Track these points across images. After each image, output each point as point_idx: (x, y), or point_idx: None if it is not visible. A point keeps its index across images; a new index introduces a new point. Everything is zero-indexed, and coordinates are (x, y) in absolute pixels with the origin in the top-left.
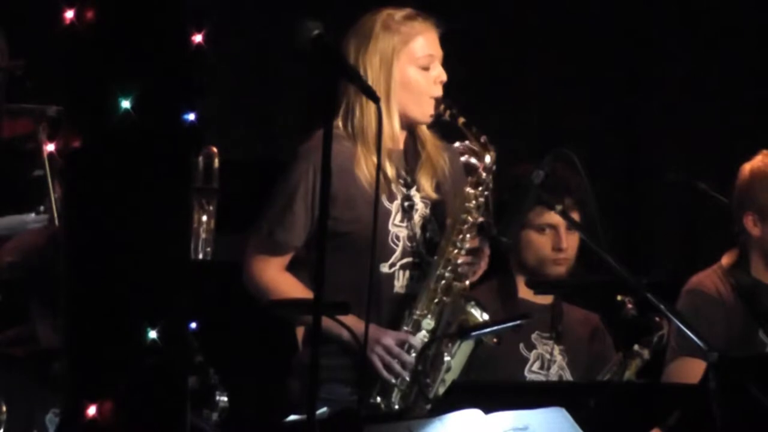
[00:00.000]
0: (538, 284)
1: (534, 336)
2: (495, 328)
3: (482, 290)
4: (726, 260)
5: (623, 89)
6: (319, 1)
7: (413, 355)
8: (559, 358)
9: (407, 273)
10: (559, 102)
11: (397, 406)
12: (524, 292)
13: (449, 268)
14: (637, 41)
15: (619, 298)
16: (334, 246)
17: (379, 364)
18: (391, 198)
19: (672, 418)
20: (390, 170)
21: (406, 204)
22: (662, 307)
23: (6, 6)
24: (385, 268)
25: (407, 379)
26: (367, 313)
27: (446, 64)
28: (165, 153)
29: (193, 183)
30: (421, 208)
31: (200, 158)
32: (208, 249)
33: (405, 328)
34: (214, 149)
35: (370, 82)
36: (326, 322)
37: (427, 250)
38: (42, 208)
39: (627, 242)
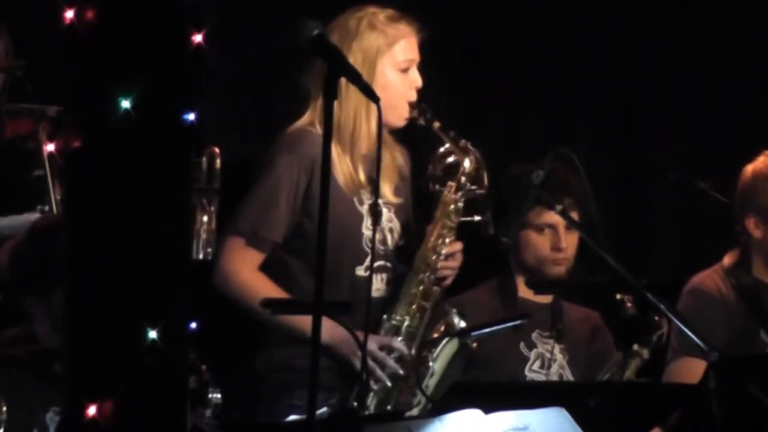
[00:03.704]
0: (537, 284)
1: (534, 335)
2: (495, 328)
3: (482, 290)
4: (727, 260)
5: (624, 89)
6: (319, 1)
7: (394, 357)
8: (559, 356)
9: (380, 276)
10: (559, 102)
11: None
12: (524, 292)
13: (428, 273)
14: (638, 41)
15: (618, 297)
16: (306, 246)
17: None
18: (361, 202)
19: (672, 418)
20: (362, 175)
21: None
22: (662, 306)
23: (6, 6)
24: (360, 271)
25: (388, 384)
26: (367, 317)
27: (445, 63)
28: (165, 153)
29: (194, 183)
30: (385, 213)
31: (203, 159)
32: (209, 249)
33: (383, 332)
34: (217, 149)
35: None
36: (296, 321)
37: (394, 254)
38: (46, 207)
39: (627, 242)
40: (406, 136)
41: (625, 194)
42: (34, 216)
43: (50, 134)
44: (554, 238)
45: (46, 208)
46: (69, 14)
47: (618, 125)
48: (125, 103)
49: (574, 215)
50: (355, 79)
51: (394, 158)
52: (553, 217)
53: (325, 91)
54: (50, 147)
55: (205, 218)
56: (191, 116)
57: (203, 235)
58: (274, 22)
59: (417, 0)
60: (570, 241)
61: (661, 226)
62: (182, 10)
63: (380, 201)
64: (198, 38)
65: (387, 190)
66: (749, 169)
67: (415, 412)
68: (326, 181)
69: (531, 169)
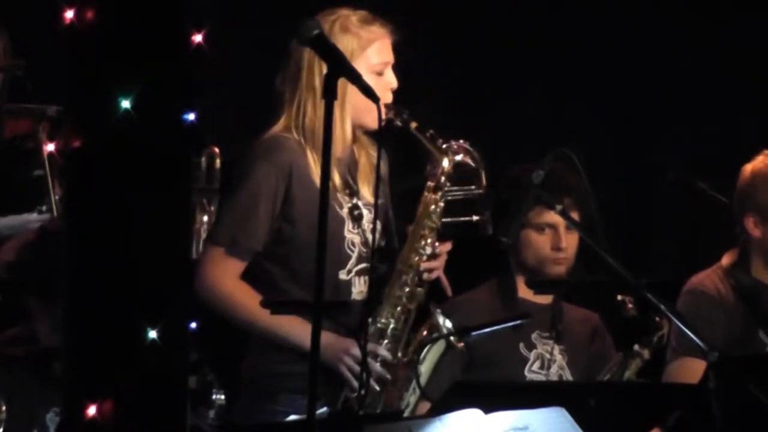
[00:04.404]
0: (538, 284)
1: (534, 336)
2: (495, 327)
3: (482, 290)
4: (726, 260)
5: (624, 89)
6: (319, 1)
7: (379, 361)
8: (559, 357)
9: (362, 279)
10: (560, 102)
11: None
12: (524, 292)
13: (411, 274)
14: (638, 41)
15: (619, 298)
16: (287, 252)
17: (348, 375)
18: (341, 206)
19: (672, 418)
20: (337, 178)
21: (355, 212)
22: (662, 307)
23: (6, 6)
24: (342, 275)
25: (377, 388)
26: (367, 319)
27: (445, 62)
28: (165, 153)
29: (194, 183)
30: (366, 215)
31: (202, 158)
32: None
33: (368, 336)
34: (216, 149)
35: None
36: (278, 330)
37: (377, 255)
38: (44, 207)
39: (627, 242)
40: (407, 137)
41: (625, 194)
42: (32, 216)
43: (50, 134)
44: (555, 237)
45: (44, 208)
46: (69, 14)
47: (618, 125)
48: (125, 103)
49: (574, 215)
50: (355, 79)
51: (371, 158)
52: (553, 217)
53: (325, 91)
54: (50, 147)
55: (205, 218)
56: (191, 116)
57: (203, 235)
58: (275, 22)
59: (418, 2)
60: (570, 241)
61: (661, 226)
62: (182, 10)
63: (360, 203)
64: (198, 38)
65: (366, 191)
66: (748, 168)
67: (406, 414)
68: (326, 182)
69: (531, 169)
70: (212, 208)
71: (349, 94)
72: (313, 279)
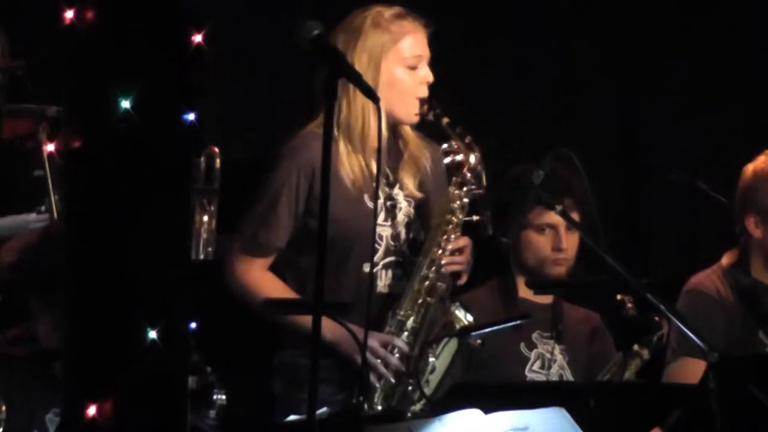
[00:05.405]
0: (538, 284)
1: (534, 335)
2: (495, 328)
3: (482, 290)
4: (726, 260)
5: (624, 89)
6: (319, 1)
7: (397, 356)
8: (559, 357)
9: (389, 272)
10: (559, 102)
11: (379, 407)
12: (524, 292)
13: (433, 268)
14: (638, 41)
15: (619, 297)
16: (314, 246)
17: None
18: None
19: (672, 418)
20: (373, 168)
21: (389, 203)
22: (662, 307)
23: (6, 6)
24: (367, 268)
25: (392, 380)
26: (367, 316)
27: (446, 63)
28: (165, 153)
29: (193, 183)
30: (404, 207)
31: (202, 158)
32: (209, 249)
33: (388, 328)
34: (216, 149)
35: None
36: (303, 320)
37: (410, 249)
38: (43, 208)
39: (627, 242)
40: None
41: (625, 194)
42: (32, 217)
43: (50, 134)
44: (555, 238)
45: (43, 208)
46: (69, 14)
47: (618, 125)
48: (125, 103)
49: (575, 215)
50: (355, 79)
51: (418, 152)
52: (553, 218)
53: (326, 91)
54: (50, 147)
55: (205, 218)
56: (191, 116)
57: (203, 235)
58: (275, 22)
59: (416, 1)
60: (571, 242)
61: (661, 226)
62: (182, 10)
63: (402, 194)
64: (198, 38)
65: (410, 183)
66: (750, 168)
67: (417, 407)
68: (326, 181)
69: (531, 169)
70: (212, 208)
71: (381, 89)
72: (316, 278)
